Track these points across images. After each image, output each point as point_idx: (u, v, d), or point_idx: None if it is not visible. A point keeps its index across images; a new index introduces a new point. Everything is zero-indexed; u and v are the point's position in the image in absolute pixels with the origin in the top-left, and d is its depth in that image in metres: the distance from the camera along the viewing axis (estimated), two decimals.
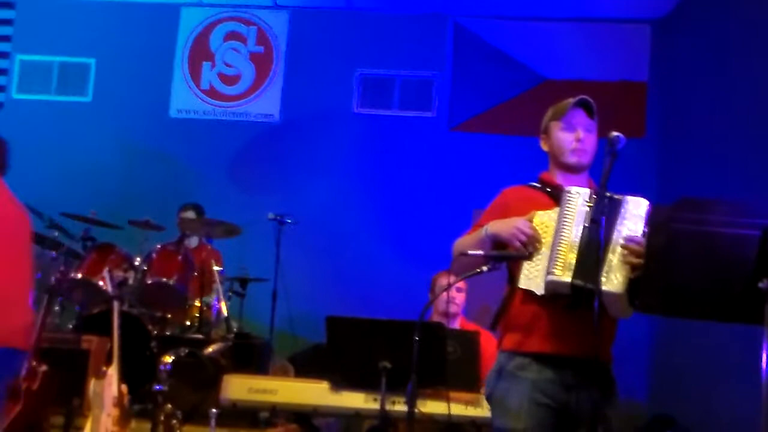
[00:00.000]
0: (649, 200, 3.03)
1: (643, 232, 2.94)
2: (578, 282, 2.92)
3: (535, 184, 3.35)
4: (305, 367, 6.64)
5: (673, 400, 7.11)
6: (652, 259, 2.69)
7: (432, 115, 8.59)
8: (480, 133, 8.40)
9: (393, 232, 8.26)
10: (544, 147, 3.38)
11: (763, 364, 2.47)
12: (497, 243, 3.15)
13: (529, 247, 3.05)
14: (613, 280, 2.89)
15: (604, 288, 2.87)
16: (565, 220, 3.02)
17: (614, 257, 2.92)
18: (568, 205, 3.04)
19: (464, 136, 8.44)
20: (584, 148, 3.26)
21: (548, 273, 2.97)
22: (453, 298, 5.47)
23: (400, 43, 8.69)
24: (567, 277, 2.94)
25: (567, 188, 3.10)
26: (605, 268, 2.90)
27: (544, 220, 3.11)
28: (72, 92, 8.97)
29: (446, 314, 5.41)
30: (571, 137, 3.26)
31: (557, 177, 3.31)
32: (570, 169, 3.28)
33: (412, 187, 8.36)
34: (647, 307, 2.80)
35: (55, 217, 6.85)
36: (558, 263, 2.96)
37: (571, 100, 3.30)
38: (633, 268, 2.90)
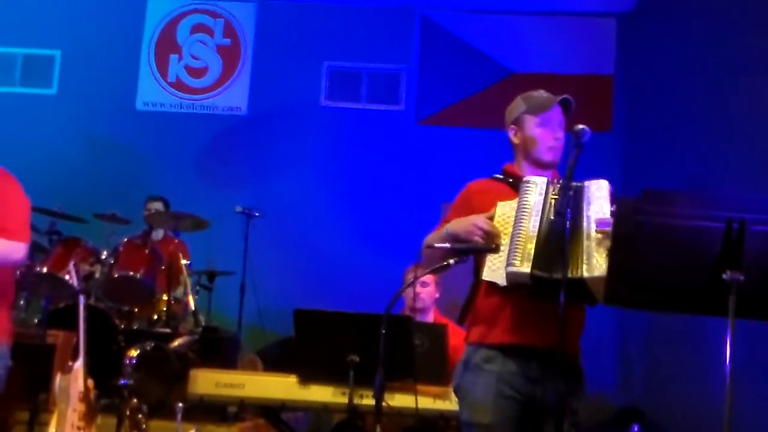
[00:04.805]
0: (614, 193, 3.04)
1: (611, 212, 2.94)
2: (538, 273, 2.91)
3: (498, 176, 3.35)
4: (274, 361, 6.62)
5: (641, 393, 7.18)
6: (617, 251, 2.70)
7: (400, 108, 8.59)
8: (448, 126, 8.42)
9: (361, 225, 8.25)
10: (515, 139, 3.35)
11: (727, 356, 2.49)
12: (459, 241, 3.14)
13: (490, 238, 3.05)
14: (595, 265, 2.87)
15: (587, 275, 2.86)
16: (523, 210, 3.02)
17: (591, 243, 2.91)
18: (525, 195, 3.04)
19: (432, 129, 8.46)
20: (560, 146, 3.27)
21: (508, 264, 2.96)
22: (418, 293, 5.46)
23: (367, 36, 8.67)
24: (526, 268, 2.93)
25: (525, 178, 3.10)
26: (584, 256, 2.89)
27: (505, 210, 3.10)
28: (36, 84, 8.88)
29: (413, 309, 5.41)
30: (550, 135, 3.25)
31: (524, 169, 3.30)
32: (542, 165, 3.28)
33: (380, 181, 8.36)
34: (613, 300, 2.81)
35: None
36: (517, 254, 2.95)
37: (545, 95, 3.30)
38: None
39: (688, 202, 2.60)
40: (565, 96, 3.27)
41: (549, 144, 3.25)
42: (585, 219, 2.96)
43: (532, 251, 2.94)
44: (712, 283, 2.50)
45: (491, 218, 3.11)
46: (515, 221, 3.02)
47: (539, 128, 3.27)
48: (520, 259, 2.95)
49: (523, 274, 2.94)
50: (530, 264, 2.93)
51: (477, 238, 3.06)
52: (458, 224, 3.16)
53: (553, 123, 3.26)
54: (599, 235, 2.91)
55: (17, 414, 5.08)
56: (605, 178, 3.06)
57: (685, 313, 2.70)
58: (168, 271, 6.51)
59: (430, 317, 5.52)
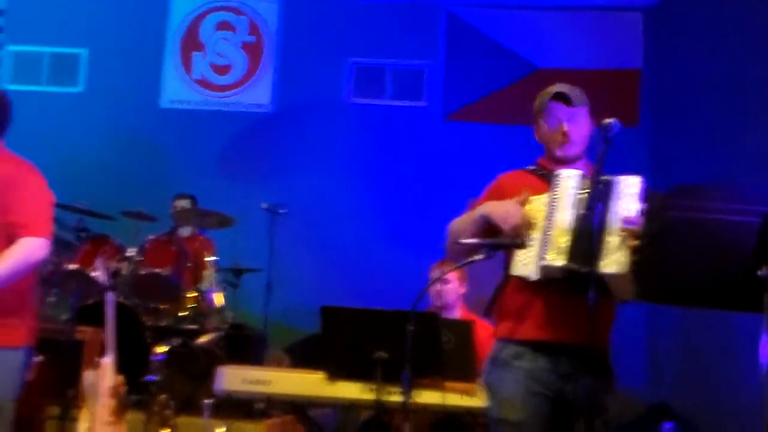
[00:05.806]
0: (646, 190, 2.99)
1: (640, 210, 2.89)
2: (572, 266, 2.88)
3: (530, 167, 3.34)
4: (301, 358, 6.63)
5: (671, 389, 7.12)
6: (648, 246, 2.67)
7: (425, 105, 8.57)
8: (473, 122, 8.38)
9: (387, 221, 8.24)
10: (537, 138, 3.37)
11: (762, 352, 2.46)
12: (489, 226, 3.11)
13: (521, 231, 3.01)
14: (614, 261, 2.83)
15: (605, 271, 2.82)
16: (555, 203, 2.99)
17: (612, 239, 2.87)
18: (557, 189, 3.01)
19: (457, 125, 8.43)
20: (572, 140, 3.24)
21: (541, 258, 2.93)
22: (439, 291, 5.45)
23: (392, 33, 8.65)
24: (560, 261, 2.90)
25: (557, 172, 3.08)
26: (604, 252, 2.85)
27: (535, 205, 3.07)
28: (63, 83, 8.92)
29: (437, 307, 5.40)
30: (556, 132, 3.25)
31: (551, 165, 3.27)
32: (560, 161, 3.25)
33: (405, 177, 8.34)
34: (645, 296, 2.79)
35: None
36: (551, 247, 2.93)
37: (548, 92, 3.28)
38: (634, 250, 2.82)
39: (720, 196, 2.56)
40: (555, 91, 3.26)
41: (557, 140, 3.25)
42: (612, 214, 2.92)
43: (565, 244, 2.91)
44: (746, 279, 2.46)
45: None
46: (548, 215, 2.99)
47: (546, 126, 3.28)
48: (554, 252, 2.92)
49: (558, 267, 2.91)
50: (565, 257, 2.90)
51: (508, 225, 3.02)
52: (492, 207, 3.13)
53: (556, 119, 3.25)
54: (623, 233, 2.88)
55: (48, 409, 5.12)
56: (633, 174, 3.03)
57: (719, 309, 2.67)
58: (194, 269, 6.54)
59: (456, 314, 5.49)
